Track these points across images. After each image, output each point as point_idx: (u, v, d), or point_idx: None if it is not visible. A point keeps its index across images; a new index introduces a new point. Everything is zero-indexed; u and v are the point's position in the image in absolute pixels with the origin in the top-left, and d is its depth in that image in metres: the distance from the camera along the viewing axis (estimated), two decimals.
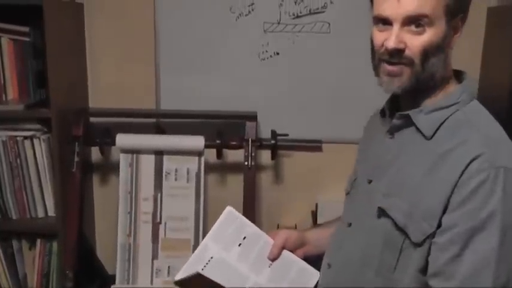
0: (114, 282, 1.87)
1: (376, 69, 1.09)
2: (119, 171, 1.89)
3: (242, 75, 2.04)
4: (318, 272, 1.30)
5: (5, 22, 1.81)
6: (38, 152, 1.88)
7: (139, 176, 1.89)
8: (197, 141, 1.86)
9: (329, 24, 1.98)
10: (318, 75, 2.02)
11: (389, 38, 1.02)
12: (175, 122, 2.03)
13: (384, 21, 1.04)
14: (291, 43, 2.00)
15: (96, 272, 2.05)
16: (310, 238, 1.37)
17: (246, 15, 2.00)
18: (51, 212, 1.93)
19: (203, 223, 1.89)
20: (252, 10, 1.99)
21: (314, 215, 2.07)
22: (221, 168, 2.13)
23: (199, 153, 1.89)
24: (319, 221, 1.98)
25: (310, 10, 1.97)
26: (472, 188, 0.97)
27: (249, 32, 2.00)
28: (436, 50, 1.03)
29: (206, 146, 1.87)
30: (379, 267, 1.08)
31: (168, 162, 1.89)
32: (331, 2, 1.96)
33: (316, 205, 2.06)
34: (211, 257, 1.28)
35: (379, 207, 1.09)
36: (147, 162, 1.89)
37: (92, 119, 2.05)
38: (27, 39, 1.83)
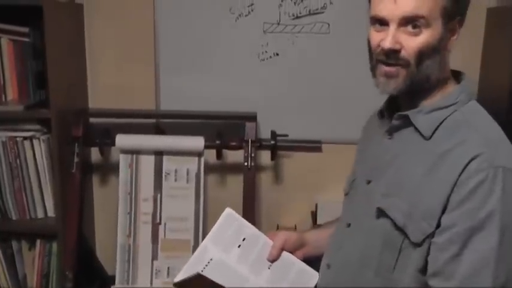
0: (113, 283, 1.88)
1: (374, 70, 1.09)
2: (118, 171, 1.89)
3: (242, 75, 2.04)
4: (318, 273, 1.29)
5: (5, 23, 1.81)
6: (37, 152, 1.88)
7: (139, 177, 1.90)
8: (197, 142, 1.86)
9: (328, 24, 1.98)
10: (317, 76, 2.02)
11: (386, 39, 1.02)
12: (175, 122, 2.03)
13: (381, 22, 1.05)
14: (290, 44, 2.00)
15: (95, 272, 2.05)
16: (309, 239, 1.36)
17: (246, 15, 2.00)
18: (50, 213, 1.93)
19: (203, 224, 1.89)
20: (252, 11, 1.99)
21: (314, 215, 2.07)
22: (221, 169, 2.13)
23: (199, 154, 1.89)
24: (318, 222, 1.98)
25: (309, 11, 1.98)
26: (471, 187, 0.97)
27: (249, 33, 2.00)
28: (432, 52, 1.03)
29: (206, 147, 1.87)
30: (378, 268, 1.08)
31: (167, 162, 1.89)
32: (330, 3, 1.96)
33: (316, 205, 2.06)
34: (211, 259, 1.28)
35: (378, 208, 1.09)
36: (147, 162, 1.89)
37: (92, 120, 2.05)
38: (27, 39, 1.83)
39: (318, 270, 1.29)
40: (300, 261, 1.32)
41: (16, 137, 1.85)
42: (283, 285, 1.29)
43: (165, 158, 1.89)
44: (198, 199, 1.89)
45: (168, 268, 1.88)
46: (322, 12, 1.97)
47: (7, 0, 1.70)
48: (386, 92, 1.09)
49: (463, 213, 0.98)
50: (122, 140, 1.87)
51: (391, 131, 1.14)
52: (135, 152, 1.89)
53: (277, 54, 2.02)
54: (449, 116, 1.06)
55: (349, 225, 1.19)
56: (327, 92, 2.03)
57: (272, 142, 1.94)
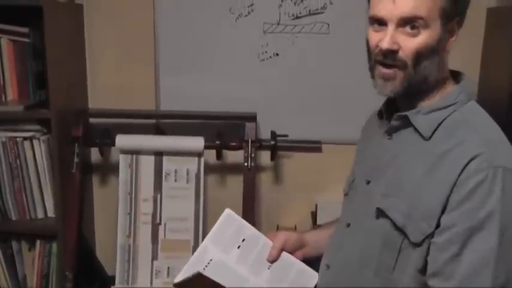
0: (113, 283, 1.88)
1: (372, 70, 1.09)
2: (118, 172, 1.89)
3: (242, 76, 2.04)
4: (317, 274, 1.29)
5: (5, 23, 1.81)
6: (37, 152, 1.88)
7: (139, 177, 1.90)
8: (197, 142, 1.86)
9: (328, 25, 1.98)
10: (317, 76, 2.02)
11: (384, 39, 1.03)
12: (174, 122, 2.03)
13: (379, 22, 1.05)
14: (290, 44, 2.00)
15: (95, 272, 2.05)
16: (309, 240, 1.36)
17: (246, 16, 2.00)
18: (50, 213, 1.93)
19: (203, 224, 1.89)
20: (252, 11, 1.99)
21: (314, 215, 2.07)
22: (221, 169, 2.13)
23: (199, 154, 1.89)
24: (318, 222, 1.98)
25: (309, 11, 1.97)
26: (470, 187, 0.97)
27: (249, 33, 2.00)
28: (430, 53, 1.03)
29: (206, 147, 1.87)
30: (378, 268, 1.09)
31: (167, 163, 1.89)
32: (330, 3, 1.96)
33: (316, 206, 2.06)
34: (211, 259, 1.28)
35: (377, 208, 1.09)
36: (147, 163, 1.89)
37: (92, 120, 2.05)
38: (26, 40, 1.83)
39: (317, 271, 1.29)
40: (300, 261, 1.32)
41: (16, 137, 1.85)
42: (283, 286, 1.29)
43: (165, 158, 1.89)
44: (198, 199, 1.89)
45: (168, 268, 1.88)
46: (322, 13, 1.97)
47: (7, 1, 1.70)
48: (383, 94, 1.09)
49: (462, 213, 0.98)
50: (122, 140, 1.87)
51: (391, 132, 1.14)
52: (135, 152, 1.89)
53: (277, 55, 2.02)
54: (448, 116, 1.06)
55: (348, 225, 1.19)
56: (326, 92, 2.03)
57: (272, 142, 1.94)
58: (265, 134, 1.99)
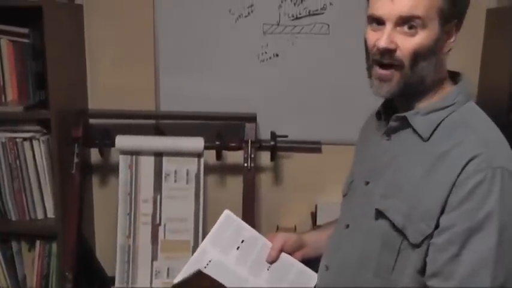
0: (113, 284, 1.88)
1: (369, 70, 1.09)
2: (118, 172, 1.89)
3: (241, 76, 2.04)
4: (317, 274, 1.29)
5: (5, 24, 1.81)
6: (37, 153, 1.88)
7: (139, 178, 1.90)
8: (196, 143, 1.86)
9: (328, 25, 1.98)
10: (317, 77, 2.02)
11: (381, 38, 1.03)
12: (174, 123, 2.03)
13: (378, 21, 1.05)
14: (290, 44, 2.00)
15: (95, 273, 2.05)
16: (308, 240, 1.36)
17: (246, 16, 2.00)
18: (50, 214, 1.93)
19: (203, 224, 1.89)
20: (252, 11, 1.99)
21: (313, 216, 2.07)
22: (220, 170, 2.13)
23: (198, 155, 1.89)
24: (318, 222, 1.98)
25: (309, 11, 1.97)
26: (469, 188, 0.97)
27: (249, 34, 2.00)
28: (427, 53, 1.03)
29: (206, 148, 1.87)
30: (377, 269, 1.08)
31: (167, 163, 1.89)
32: (330, 4, 1.96)
33: (316, 206, 2.06)
34: (210, 260, 1.28)
35: (376, 209, 1.09)
36: (147, 163, 1.89)
37: (92, 121, 2.05)
38: (26, 40, 1.83)
39: (317, 271, 1.29)
40: (299, 262, 1.32)
41: (16, 137, 1.85)
42: (282, 287, 1.29)
43: (164, 158, 1.89)
44: (197, 200, 1.89)
45: (168, 269, 1.88)
46: (322, 13, 1.97)
47: (7, 1, 1.71)
48: (379, 95, 1.09)
49: (461, 214, 0.98)
50: (122, 140, 1.87)
51: (389, 132, 1.14)
52: (135, 153, 1.89)
53: (277, 55, 2.02)
54: (447, 117, 1.06)
55: (347, 226, 1.19)
56: (326, 93, 2.03)
57: (272, 143, 1.94)
58: (265, 135, 1.99)
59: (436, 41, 1.03)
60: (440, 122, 1.06)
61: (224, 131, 1.93)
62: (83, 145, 1.90)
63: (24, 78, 1.86)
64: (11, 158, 1.86)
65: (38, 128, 1.87)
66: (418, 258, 1.04)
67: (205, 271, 1.21)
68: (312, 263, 1.32)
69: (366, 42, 1.09)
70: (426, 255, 1.03)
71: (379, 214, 1.09)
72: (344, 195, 1.29)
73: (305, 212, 2.12)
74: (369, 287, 1.10)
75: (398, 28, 1.02)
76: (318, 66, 2.01)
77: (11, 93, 1.86)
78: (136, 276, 1.88)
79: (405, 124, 1.10)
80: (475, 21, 1.90)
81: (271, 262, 1.30)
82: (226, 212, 1.35)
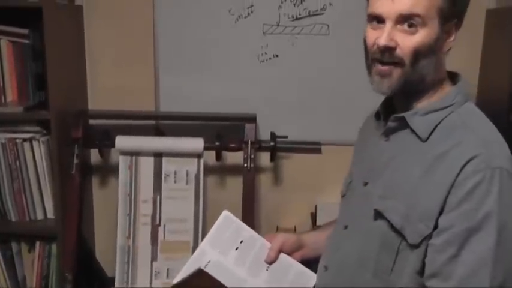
0: (113, 284, 1.88)
1: (369, 68, 1.09)
2: (118, 173, 1.89)
3: (241, 77, 2.04)
4: (316, 275, 1.29)
5: (5, 24, 1.81)
6: (37, 154, 1.88)
7: (139, 178, 1.90)
8: (196, 143, 1.86)
9: (328, 26, 1.98)
10: (317, 77, 2.02)
11: (381, 36, 1.02)
12: (174, 124, 2.03)
13: (378, 19, 1.05)
14: (290, 45, 2.00)
15: (95, 274, 2.05)
16: (307, 241, 1.36)
17: (246, 17, 2.00)
18: (50, 215, 1.93)
19: (202, 225, 1.89)
20: (251, 12, 1.99)
21: (313, 216, 2.07)
22: (220, 170, 2.13)
23: (198, 155, 1.89)
24: (318, 223, 1.97)
25: (309, 12, 1.97)
26: (468, 188, 0.97)
27: (248, 34, 2.00)
28: (427, 52, 1.03)
29: (205, 148, 1.87)
30: (375, 269, 1.08)
31: (167, 164, 1.89)
32: (330, 4, 1.96)
33: (316, 207, 2.06)
34: (209, 261, 1.28)
35: (375, 210, 1.09)
36: (147, 164, 1.89)
37: (91, 121, 2.05)
38: (26, 41, 1.83)
39: (316, 272, 1.29)
40: (298, 263, 1.32)
41: (16, 138, 1.86)
42: (281, 287, 1.29)
43: (164, 159, 1.89)
44: (197, 200, 1.89)
45: (168, 269, 1.88)
46: (322, 14, 1.97)
47: (7, 1, 1.71)
48: (380, 91, 1.08)
49: (460, 214, 0.97)
50: (122, 141, 1.87)
51: (388, 133, 1.14)
52: (135, 154, 1.89)
53: (277, 56, 2.02)
54: (445, 117, 1.06)
55: (346, 227, 1.19)
56: (326, 94, 2.03)
57: (271, 143, 1.94)
58: (264, 135, 1.99)
59: (436, 40, 1.03)
60: (439, 122, 1.06)
61: (224, 131, 1.93)
62: (82, 146, 1.91)
63: (24, 78, 1.86)
64: (11, 159, 1.86)
65: (37, 128, 1.87)
66: (416, 258, 1.04)
67: (206, 270, 1.21)
68: (311, 263, 1.32)
69: (365, 41, 1.09)
70: (425, 255, 1.03)
71: (378, 215, 1.08)
72: (342, 196, 1.29)
73: (305, 212, 2.12)
74: (367, 287, 1.10)
75: (398, 26, 1.02)
76: (317, 67, 2.01)
77: (11, 94, 1.87)
78: (136, 277, 1.88)
79: (404, 124, 1.10)
80: (474, 21, 1.90)
81: (270, 263, 1.30)
82: (225, 213, 1.35)
